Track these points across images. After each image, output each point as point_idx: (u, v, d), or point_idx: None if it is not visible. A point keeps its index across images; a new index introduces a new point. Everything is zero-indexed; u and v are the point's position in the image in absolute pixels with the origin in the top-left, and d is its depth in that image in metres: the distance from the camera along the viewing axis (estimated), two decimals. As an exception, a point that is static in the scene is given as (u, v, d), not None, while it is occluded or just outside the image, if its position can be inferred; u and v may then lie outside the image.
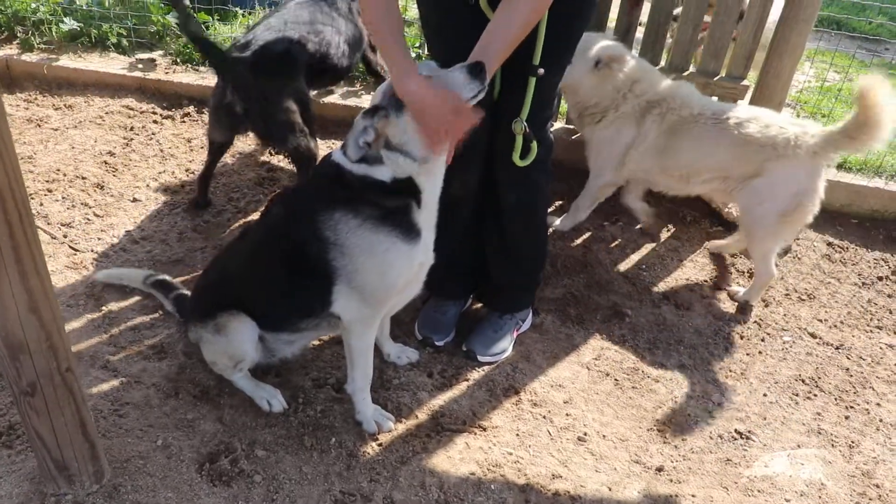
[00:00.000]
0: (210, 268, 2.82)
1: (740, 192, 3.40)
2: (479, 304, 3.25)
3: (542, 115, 2.61)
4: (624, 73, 3.42)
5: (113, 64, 4.75)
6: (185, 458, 2.44)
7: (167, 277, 3.08)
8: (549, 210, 3.90)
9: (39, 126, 4.25)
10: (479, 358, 2.97)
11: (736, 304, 3.54)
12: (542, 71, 2.41)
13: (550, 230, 3.65)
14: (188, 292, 3.01)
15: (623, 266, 3.72)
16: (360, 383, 2.58)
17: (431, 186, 2.30)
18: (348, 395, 2.66)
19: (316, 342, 2.97)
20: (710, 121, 3.36)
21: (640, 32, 4.12)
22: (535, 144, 2.54)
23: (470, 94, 2.14)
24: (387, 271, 2.32)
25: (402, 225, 2.28)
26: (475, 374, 2.94)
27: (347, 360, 2.58)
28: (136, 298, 3.12)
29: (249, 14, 5.34)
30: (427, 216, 2.35)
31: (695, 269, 3.76)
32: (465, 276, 3.11)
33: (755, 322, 3.44)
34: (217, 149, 3.66)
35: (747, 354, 3.24)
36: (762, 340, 3.34)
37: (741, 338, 3.34)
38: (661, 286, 3.60)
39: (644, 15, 4.05)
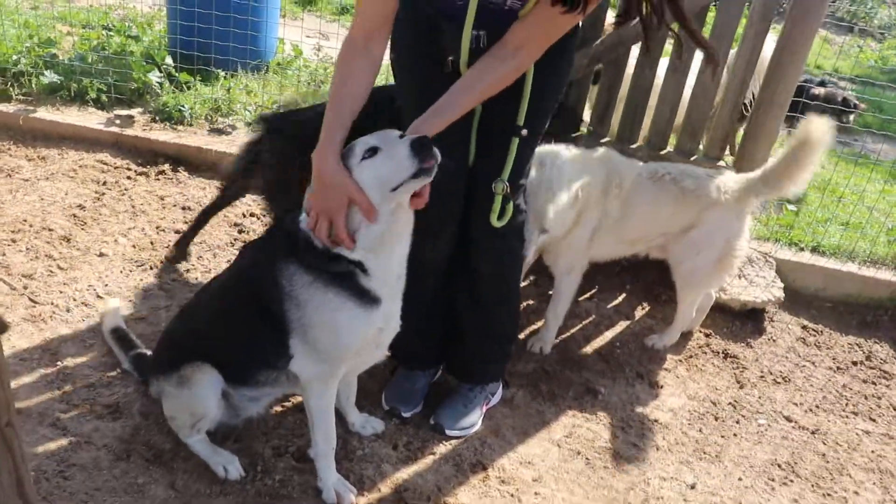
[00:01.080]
0: (177, 319, 2.74)
1: (676, 246, 3.45)
2: (449, 376, 3.15)
3: (519, 179, 2.59)
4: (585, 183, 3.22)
5: (90, 118, 4.71)
6: (130, 526, 2.30)
7: (131, 334, 2.97)
8: (524, 284, 3.86)
9: (10, 176, 4.17)
10: (447, 432, 2.86)
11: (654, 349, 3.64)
12: (525, 132, 2.41)
13: (538, 348, 3.50)
14: (148, 352, 2.91)
15: (597, 342, 3.66)
16: (323, 447, 2.47)
17: (377, 262, 2.21)
18: (310, 464, 2.55)
19: (279, 408, 2.86)
20: (648, 181, 3.38)
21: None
22: (511, 206, 2.52)
23: (406, 174, 2.04)
24: (338, 331, 2.25)
25: (352, 288, 2.21)
26: (442, 448, 2.82)
27: (309, 422, 2.47)
28: (94, 354, 3.00)
29: (232, 76, 5.36)
30: (386, 285, 2.27)
31: (671, 349, 3.71)
32: (436, 346, 3.03)
33: (730, 404, 3.37)
34: (231, 197, 3.66)
35: (722, 436, 3.17)
36: (737, 423, 3.27)
37: (716, 419, 3.27)
38: (635, 364, 3.53)
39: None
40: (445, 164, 2.07)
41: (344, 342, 2.27)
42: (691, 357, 3.68)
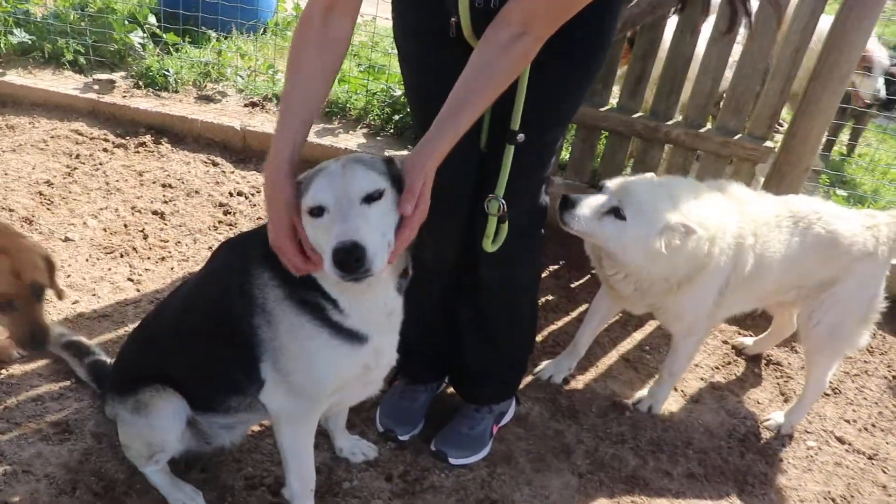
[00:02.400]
0: (137, 330, 2.33)
1: (814, 304, 2.77)
2: (453, 390, 2.74)
3: (531, 180, 2.14)
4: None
5: (66, 83, 4.29)
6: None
7: (82, 339, 2.58)
8: (544, 274, 3.43)
9: (-27, 148, 3.77)
10: (451, 460, 2.45)
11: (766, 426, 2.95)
12: (521, 137, 1.94)
13: (646, 407, 2.87)
14: (107, 359, 2.52)
15: (624, 346, 3.23)
16: (298, 489, 2.08)
17: (356, 303, 1.77)
18: (286, 501, 2.16)
19: (256, 427, 2.47)
20: (789, 221, 2.66)
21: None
22: (506, 227, 2.02)
23: (334, 274, 1.54)
24: (312, 364, 1.84)
25: (325, 320, 1.78)
26: (444, 480, 2.42)
27: (282, 460, 2.07)
28: (45, 361, 2.61)
29: (225, 37, 4.90)
30: (372, 323, 1.83)
31: (705, 352, 3.28)
32: (439, 358, 2.61)
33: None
34: None
35: (766, 463, 2.75)
36: (783, 445, 2.85)
37: (759, 440, 2.85)
38: (667, 372, 3.11)
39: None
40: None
41: (319, 377, 1.86)
42: (730, 364, 3.25)
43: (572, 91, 2.04)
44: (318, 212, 1.59)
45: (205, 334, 1.99)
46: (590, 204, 2.40)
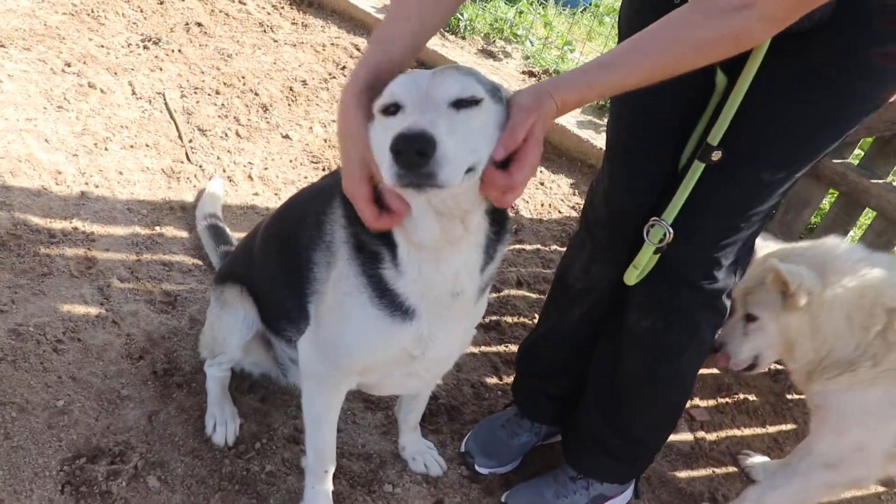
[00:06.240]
0: (254, 228, 2.20)
1: None
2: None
3: (730, 212, 1.60)
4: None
5: (369, 0, 4.32)
6: (64, 439, 1.84)
7: (225, 227, 2.52)
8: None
9: (265, 32, 3.94)
10: (514, 525, 2.02)
11: None
12: (718, 155, 1.45)
13: None
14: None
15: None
16: (311, 462, 1.82)
17: (416, 258, 1.38)
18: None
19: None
20: None
21: None
22: (656, 257, 1.59)
23: (387, 176, 1.11)
24: (342, 325, 1.52)
25: (373, 277, 1.43)
26: (496, 541, 2.01)
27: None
28: (196, 236, 2.60)
29: (542, 2, 4.66)
30: (429, 299, 1.44)
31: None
32: (561, 400, 2.14)
33: None
34: None
35: None
36: None
37: None
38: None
39: None
40: (441, 179, 1.09)
41: (345, 343, 1.55)
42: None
43: (828, 122, 1.48)
44: (392, 109, 1.21)
45: (276, 252, 1.79)
46: (734, 336, 2.16)
